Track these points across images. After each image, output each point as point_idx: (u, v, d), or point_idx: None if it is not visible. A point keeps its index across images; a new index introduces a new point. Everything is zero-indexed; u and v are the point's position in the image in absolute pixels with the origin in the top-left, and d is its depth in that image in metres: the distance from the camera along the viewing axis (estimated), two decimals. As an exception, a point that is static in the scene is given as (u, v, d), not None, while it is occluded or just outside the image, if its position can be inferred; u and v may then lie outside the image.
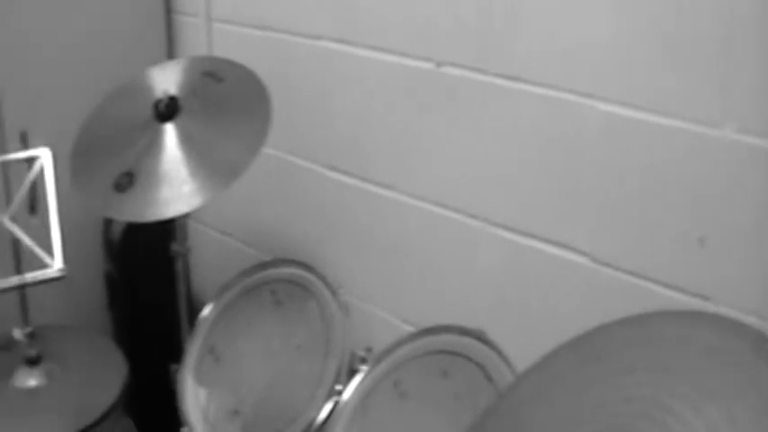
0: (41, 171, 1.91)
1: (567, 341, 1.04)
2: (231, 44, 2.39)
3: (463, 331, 1.57)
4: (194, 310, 2.05)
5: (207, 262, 2.34)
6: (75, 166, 1.89)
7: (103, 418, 1.87)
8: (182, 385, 1.86)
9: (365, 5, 2.05)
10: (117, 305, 2.56)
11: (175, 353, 1.99)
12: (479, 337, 1.57)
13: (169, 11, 2.57)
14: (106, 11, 2.45)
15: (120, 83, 2.02)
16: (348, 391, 1.56)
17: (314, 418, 1.83)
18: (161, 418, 2.04)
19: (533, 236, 1.85)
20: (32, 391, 1.94)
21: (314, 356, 1.90)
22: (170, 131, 1.89)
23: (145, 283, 2.48)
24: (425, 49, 1.96)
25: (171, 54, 2.57)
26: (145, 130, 1.89)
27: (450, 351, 1.57)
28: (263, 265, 1.99)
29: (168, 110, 1.89)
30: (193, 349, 1.90)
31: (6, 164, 2.07)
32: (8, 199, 1.95)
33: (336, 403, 1.65)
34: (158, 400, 2.08)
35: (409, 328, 2.06)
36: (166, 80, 1.94)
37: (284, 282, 1.96)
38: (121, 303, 2.55)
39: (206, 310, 1.91)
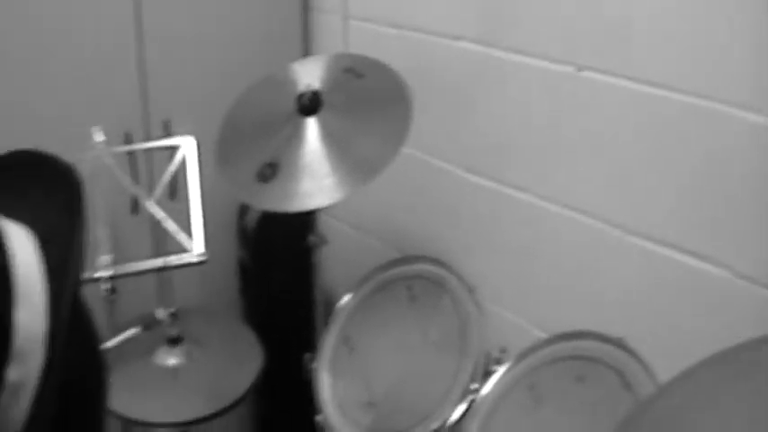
0: (183, 158, 1.96)
1: (713, 355, 1.03)
2: (367, 42, 2.43)
3: (603, 338, 1.57)
4: (323, 303, 2.09)
5: (336, 255, 2.39)
6: (219, 154, 1.97)
7: (240, 401, 1.94)
8: (316, 374, 1.90)
9: (506, 7, 2.07)
10: (249, 292, 2.65)
11: (308, 342, 2.03)
12: (619, 344, 1.56)
13: (306, 8, 2.64)
14: (247, 6, 2.52)
15: (263, 75, 2.09)
16: (484, 391, 1.57)
17: (447, 417, 1.84)
18: (293, 405, 2.09)
19: (672, 246, 1.83)
20: (173, 370, 2.03)
21: (449, 354, 1.94)
22: (312, 125, 1.95)
23: (277, 271, 2.55)
24: (566, 52, 1.96)
25: (308, 50, 2.64)
26: (287, 122, 1.96)
27: (589, 357, 1.58)
28: (400, 261, 2.03)
29: (311, 104, 1.96)
30: (329, 339, 1.94)
31: (151, 151, 2.16)
32: (150, 184, 2.00)
33: (471, 403, 1.66)
34: (290, 387, 2.13)
35: (539, 333, 2.07)
36: (309, 75, 2.02)
37: (420, 278, 2.01)
38: (253, 290, 2.64)
39: (343, 301, 1.95)
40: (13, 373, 0.78)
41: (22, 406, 0.79)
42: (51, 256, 0.81)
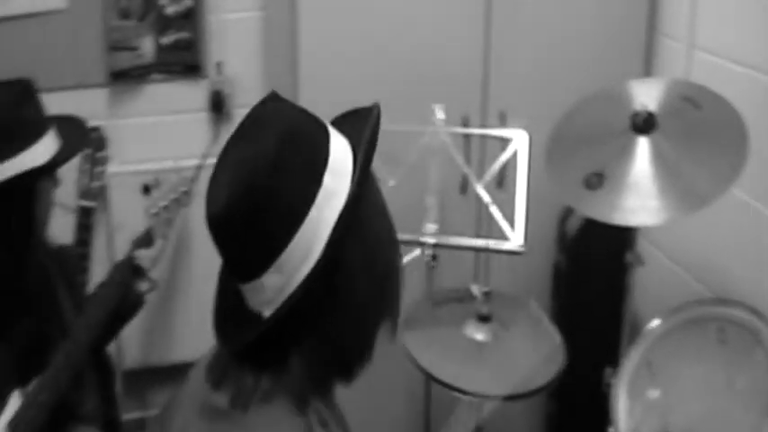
0: (515, 150, 2.04)
1: None
2: (709, 74, 2.37)
3: None
4: (629, 322, 2.11)
5: (647, 279, 2.36)
6: (549, 154, 2.06)
7: (536, 392, 2.01)
8: (615, 389, 1.93)
9: None
10: (560, 294, 2.77)
11: (609, 356, 2.06)
12: None
13: (652, 30, 2.62)
14: (594, 19, 2.63)
15: (600, 87, 2.15)
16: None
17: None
18: (584, 412, 2.10)
19: None
20: (479, 345, 2.19)
21: (754, 407, 1.91)
22: (643, 145, 1.99)
23: (591, 281, 2.57)
24: None
25: (647, 71, 2.63)
26: (619, 137, 2.02)
27: None
28: (716, 301, 2.04)
29: (645, 124, 2.02)
30: (633, 358, 1.96)
31: (484, 138, 2.26)
32: (480, 169, 2.10)
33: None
34: (584, 394, 2.17)
35: None
36: (646, 95, 2.07)
37: (734, 323, 1.99)
38: (565, 294, 2.75)
39: (652, 324, 1.97)
40: (329, 180, 1.03)
41: (333, 211, 1.02)
42: (358, 140, 1.10)
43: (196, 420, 1.11)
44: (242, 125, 1.07)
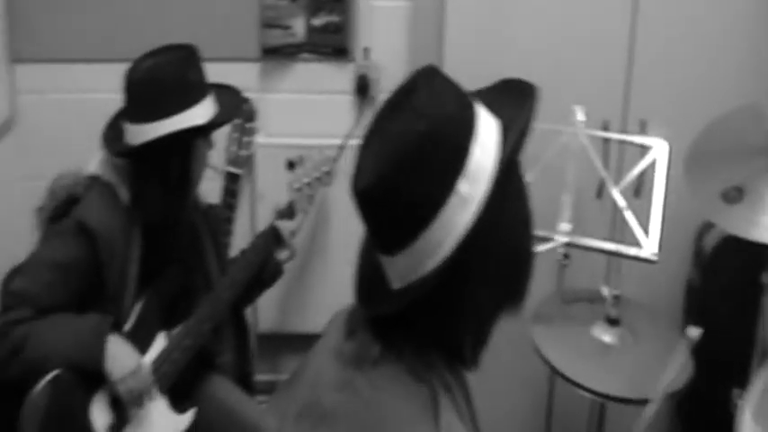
0: (654, 159, 2.07)
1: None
2: None
3: None
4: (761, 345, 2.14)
5: None
6: (689, 165, 2.09)
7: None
8: (741, 411, 1.95)
9: None
10: (691, 311, 2.76)
11: (738, 377, 2.06)
12: None
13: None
14: (742, 33, 2.59)
15: (743, 102, 2.16)
16: None
17: None
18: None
19: None
20: (605, 346, 2.23)
21: None
22: None
23: (723, 301, 2.58)
24: None
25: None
26: (761, 153, 2.03)
27: None
28: None
29: None
30: (761, 381, 1.98)
31: (623, 144, 2.29)
32: (618, 175, 2.15)
33: None
34: (707, 412, 2.16)
35: None
36: None
37: None
38: (697, 310, 2.73)
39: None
40: (463, 186, 1.03)
41: (466, 217, 1.03)
42: (507, 136, 1.09)
43: (330, 364, 1.16)
44: (397, 98, 1.08)
